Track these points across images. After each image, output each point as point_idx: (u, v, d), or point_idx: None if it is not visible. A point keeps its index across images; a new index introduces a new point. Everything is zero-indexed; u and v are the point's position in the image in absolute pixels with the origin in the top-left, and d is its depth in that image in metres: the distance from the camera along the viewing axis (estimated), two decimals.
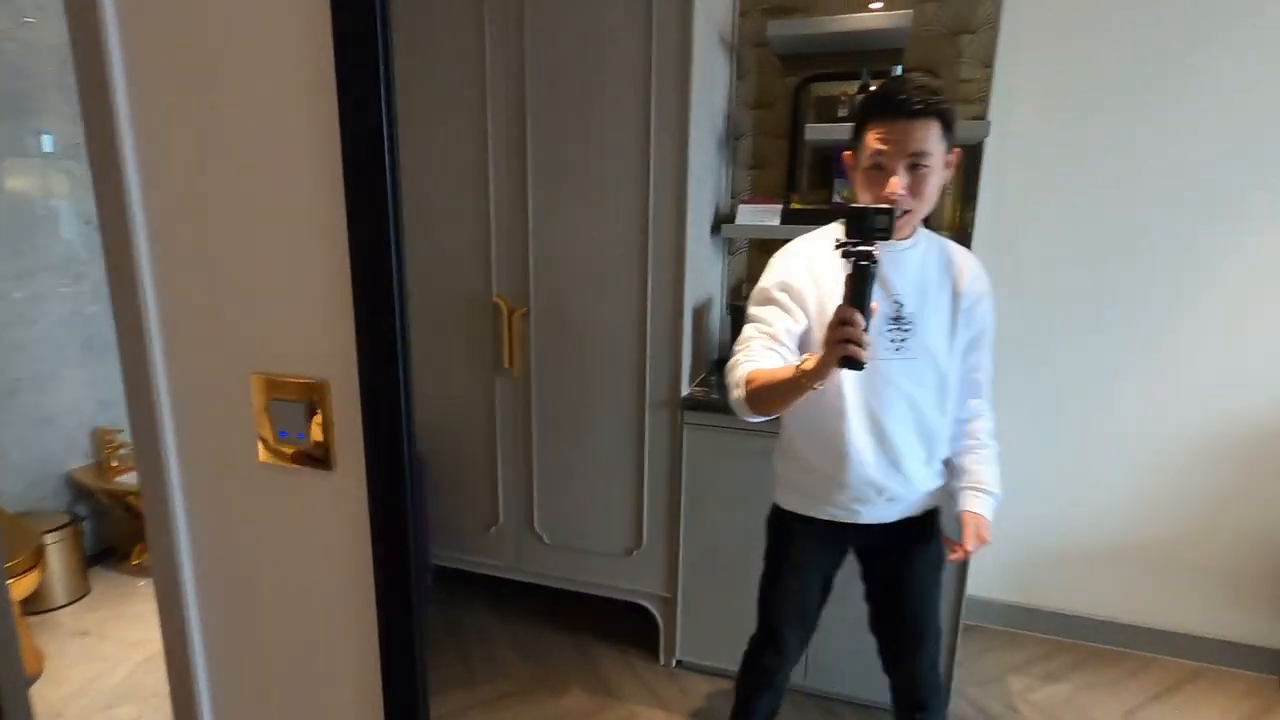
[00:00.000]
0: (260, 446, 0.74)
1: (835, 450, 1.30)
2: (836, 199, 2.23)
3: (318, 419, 0.70)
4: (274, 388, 0.72)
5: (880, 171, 1.18)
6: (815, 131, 2.02)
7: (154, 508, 0.79)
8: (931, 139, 1.16)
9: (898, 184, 1.17)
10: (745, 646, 1.59)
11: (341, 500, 0.72)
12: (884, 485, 1.31)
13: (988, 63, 2.07)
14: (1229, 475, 2.13)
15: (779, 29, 2.04)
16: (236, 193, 0.69)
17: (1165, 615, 2.25)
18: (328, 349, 0.69)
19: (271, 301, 0.70)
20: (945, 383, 1.30)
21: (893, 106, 1.16)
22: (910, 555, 1.42)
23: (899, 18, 1.93)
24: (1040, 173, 2.14)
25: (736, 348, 1.25)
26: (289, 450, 0.72)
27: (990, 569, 2.37)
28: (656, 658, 2.18)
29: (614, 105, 1.87)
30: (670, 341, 1.96)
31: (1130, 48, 2.00)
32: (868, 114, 1.21)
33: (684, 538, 2.06)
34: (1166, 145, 2.01)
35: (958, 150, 1.23)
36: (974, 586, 2.15)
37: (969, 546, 1.29)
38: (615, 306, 1.99)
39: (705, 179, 2.07)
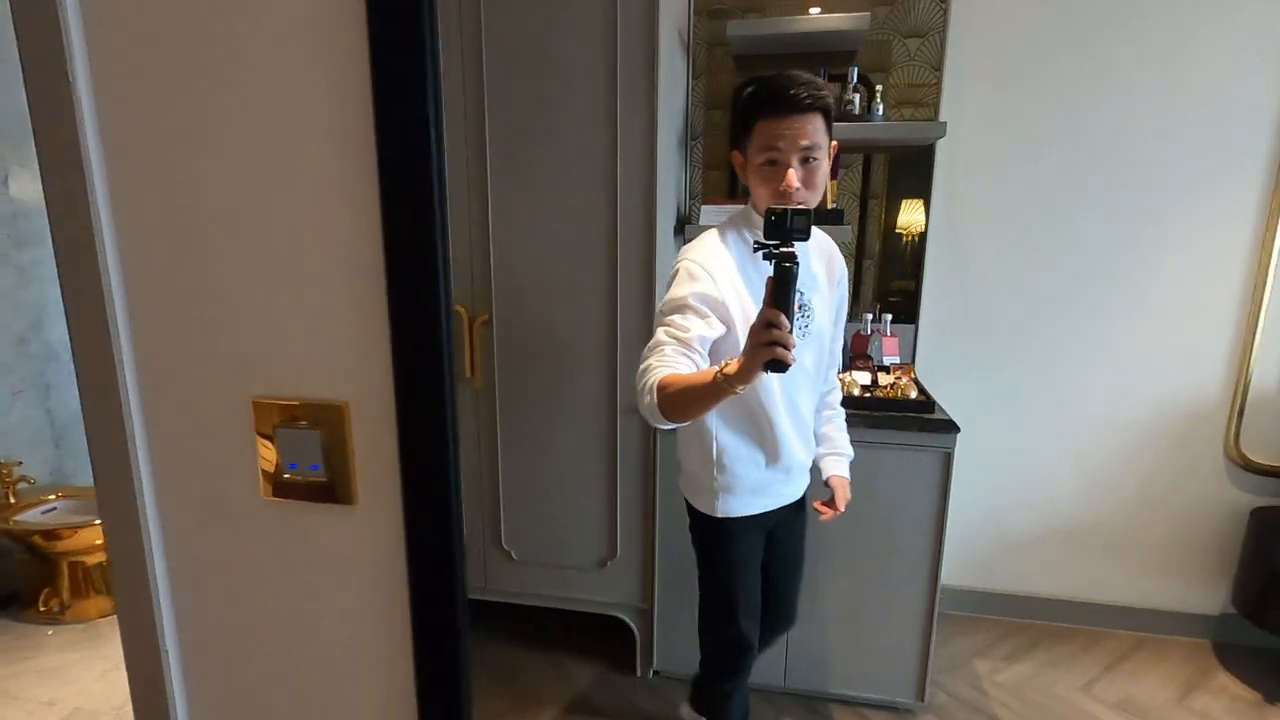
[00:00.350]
0: (263, 481, 0.64)
1: (771, 444, 1.37)
2: None
3: (334, 446, 0.62)
4: (280, 414, 0.62)
5: (774, 167, 1.22)
6: None
7: (123, 559, 0.68)
8: (819, 132, 1.21)
9: (794, 177, 1.20)
10: (703, 661, 1.58)
11: (366, 537, 0.63)
12: (803, 461, 1.44)
13: (937, 66, 2.14)
14: (1162, 455, 2.27)
15: (739, 29, 2.03)
16: (230, 180, 0.59)
17: (1109, 590, 2.38)
18: (347, 367, 0.60)
19: (275, 314, 0.61)
20: (823, 356, 1.44)
21: (784, 102, 1.19)
22: (801, 519, 1.57)
23: (858, 20, 1.96)
24: (987, 173, 2.22)
25: (647, 353, 1.22)
26: (300, 484, 0.63)
27: (950, 557, 2.43)
28: (634, 670, 2.13)
29: (579, 105, 1.80)
30: (641, 345, 1.90)
31: (1071, 55, 2.10)
32: (757, 112, 1.23)
33: (659, 546, 2.01)
34: (1106, 150, 2.13)
35: (835, 143, 1.29)
36: None
37: (841, 507, 1.49)
38: (583, 311, 1.92)
39: (669, 179, 2.04)
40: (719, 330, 1.24)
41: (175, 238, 0.62)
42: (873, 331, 2.20)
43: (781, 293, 0.98)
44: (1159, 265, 2.16)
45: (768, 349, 0.97)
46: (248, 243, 0.60)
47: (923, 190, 2.23)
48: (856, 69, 2.09)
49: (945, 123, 1.98)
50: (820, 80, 1.21)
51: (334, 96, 0.55)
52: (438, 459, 0.57)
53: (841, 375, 2.03)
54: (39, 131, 0.61)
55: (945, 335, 2.33)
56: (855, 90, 2.06)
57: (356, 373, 0.60)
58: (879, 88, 2.08)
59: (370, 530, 0.63)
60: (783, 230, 1.01)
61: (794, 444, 1.38)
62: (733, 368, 1.04)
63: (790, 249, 1.00)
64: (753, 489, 1.41)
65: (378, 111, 0.53)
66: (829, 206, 2.17)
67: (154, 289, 0.63)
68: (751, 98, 1.24)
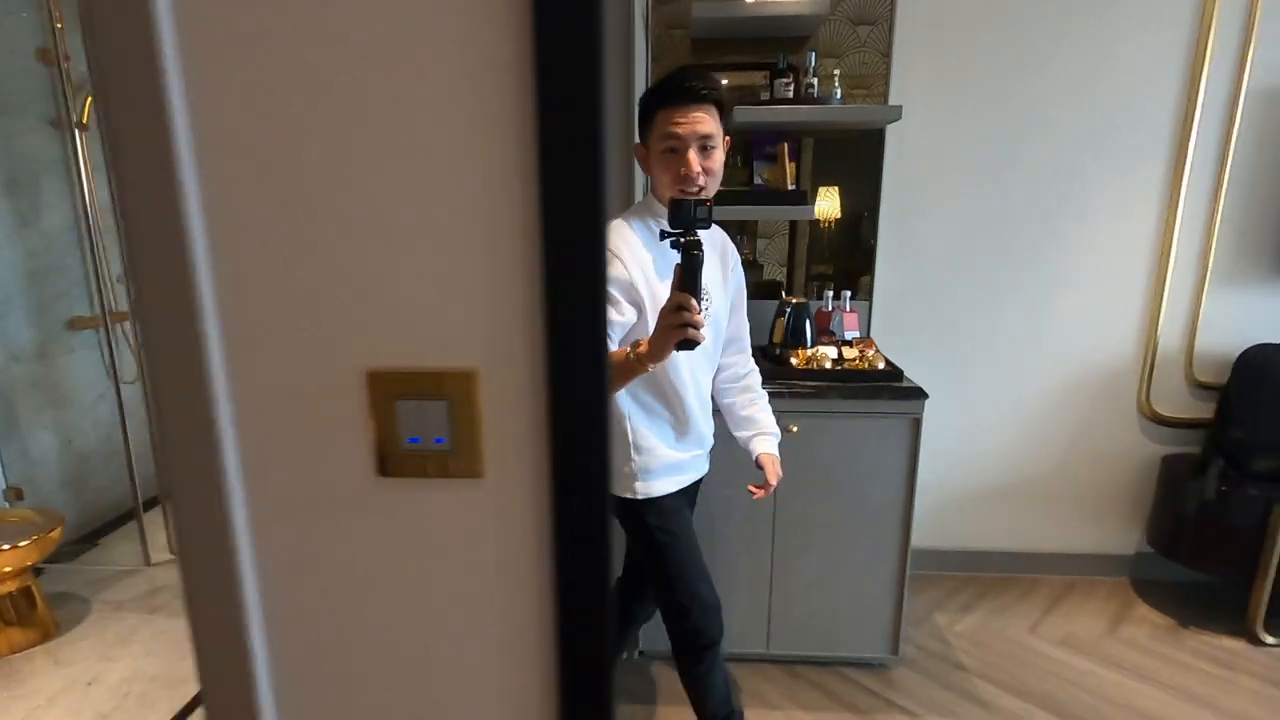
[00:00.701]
0: (377, 458, 0.59)
1: (681, 419, 1.48)
2: (758, 181, 2.30)
3: (462, 417, 0.58)
4: (400, 385, 0.58)
5: (675, 154, 1.32)
6: (742, 114, 2.06)
7: (203, 566, 0.61)
8: (714, 122, 1.32)
9: (695, 161, 1.30)
10: (679, 644, 1.56)
11: (494, 510, 0.60)
12: (706, 434, 1.56)
13: (885, 52, 2.24)
14: (1084, 414, 2.50)
15: (703, 10, 2.05)
16: (335, 113, 0.55)
17: (1042, 539, 2.61)
18: (476, 330, 0.57)
19: (392, 276, 0.56)
20: (720, 338, 1.54)
21: (682, 93, 1.30)
22: (695, 501, 1.68)
23: (816, 4, 2.02)
24: (931, 157, 2.35)
25: None
26: (422, 458, 0.59)
27: None
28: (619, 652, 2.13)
29: None
30: None
31: (1007, 47, 2.25)
32: (657, 103, 1.33)
33: None
34: (1034, 137, 2.31)
35: (729, 138, 1.39)
36: None
37: (773, 482, 1.56)
38: None
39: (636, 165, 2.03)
40: (628, 316, 1.32)
41: (270, 188, 0.56)
42: (833, 308, 2.29)
43: (689, 277, 1.08)
44: (1079, 243, 2.37)
45: (679, 330, 1.07)
46: (359, 195, 0.55)
47: (872, 172, 2.34)
48: (815, 54, 2.15)
49: (900, 106, 2.08)
50: (712, 73, 1.32)
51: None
52: (595, 419, 0.54)
53: (810, 351, 2.10)
54: (101, 54, 0.53)
55: (895, 310, 2.46)
56: (815, 74, 2.13)
57: (487, 337, 0.57)
58: (836, 73, 2.16)
59: (499, 502, 0.60)
60: (686, 219, 1.10)
61: (699, 417, 1.50)
62: (644, 347, 1.12)
63: (695, 237, 1.09)
64: (670, 466, 1.49)
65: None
66: (789, 188, 2.24)
67: (245, 250, 0.57)
68: (652, 92, 1.35)
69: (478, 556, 0.61)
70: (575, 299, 0.53)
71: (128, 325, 2.82)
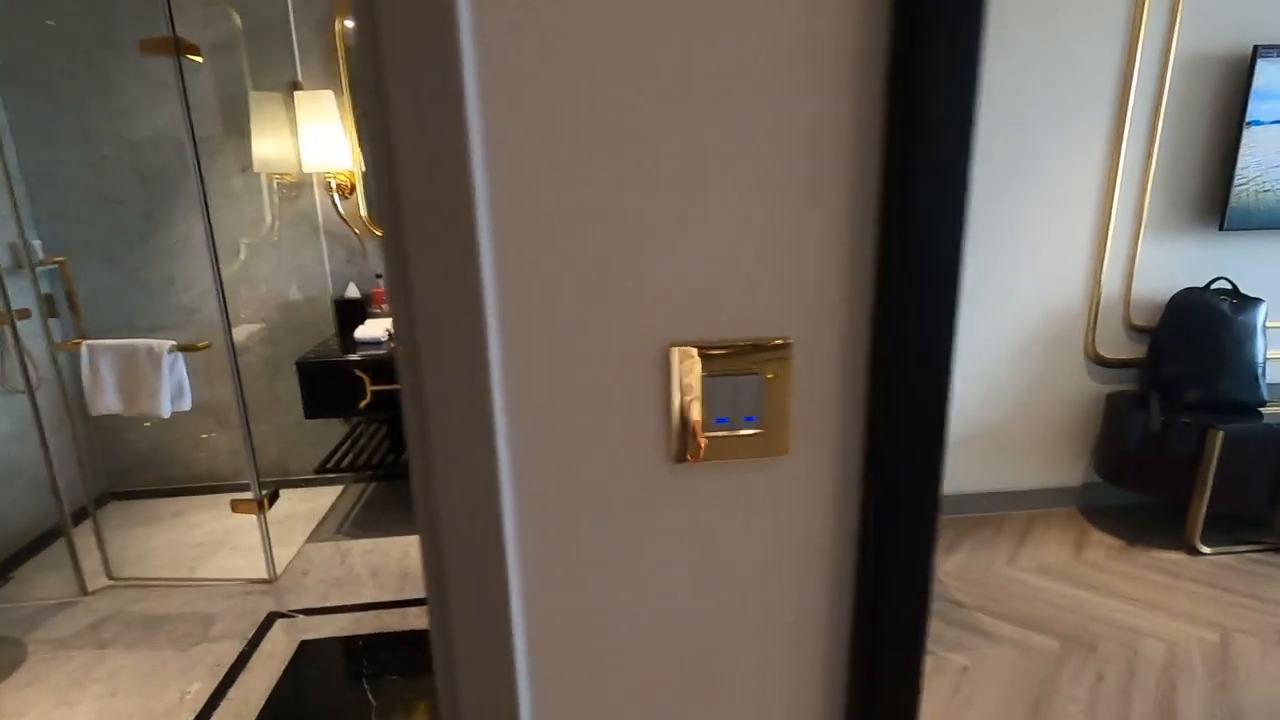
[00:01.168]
0: (678, 443, 0.53)
1: None
2: None
3: (775, 392, 0.53)
4: (709, 361, 0.52)
5: None
6: None
7: (462, 578, 0.53)
8: None
9: None
10: None
11: (799, 489, 0.55)
12: None
13: None
14: (1038, 361, 2.71)
15: None
16: (637, 51, 0.47)
17: (1005, 478, 2.81)
18: (792, 298, 0.52)
19: (703, 238, 0.50)
20: None
21: None
22: None
23: None
24: None
25: None
26: (728, 439, 0.53)
27: None
28: None
29: None
30: None
31: None
32: None
33: None
34: (993, 107, 2.42)
35: None
36: None
37: None
38: None
39: None
40: None
41: (562, 135, 0.48)
42: None
43: None
44: (1033, 206, 2.54)
45: None
46: (662, 147, 0.48)
47: None
48: None
49: None
50: None
51: None
52: (933, 398, 0.51)
53: None
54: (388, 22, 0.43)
55: None
56: None
57: (804, 304, 0.52)
58: None
59: (803, 480, 0.55)
60: None
61: None
62: None
63: None
64: None
65: None
66: None
67: (530, 208, 0.48)
68: None
69: (777, 540, 0.56)
70: (939, 262, 0.49)
71: (28, 325, 2.43)
